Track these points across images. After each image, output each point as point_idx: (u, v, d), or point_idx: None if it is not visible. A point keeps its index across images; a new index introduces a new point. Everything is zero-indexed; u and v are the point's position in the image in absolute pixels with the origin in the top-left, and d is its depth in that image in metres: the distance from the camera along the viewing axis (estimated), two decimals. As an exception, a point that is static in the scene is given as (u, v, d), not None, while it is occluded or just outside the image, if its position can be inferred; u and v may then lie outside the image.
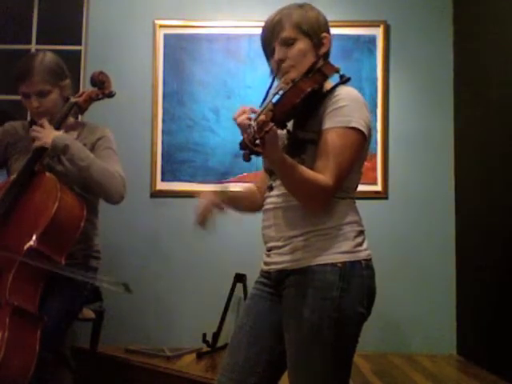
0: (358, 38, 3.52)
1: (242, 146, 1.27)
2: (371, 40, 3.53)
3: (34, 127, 2.11)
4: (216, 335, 3.14)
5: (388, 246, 3.36)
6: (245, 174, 3.44)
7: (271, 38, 1.50)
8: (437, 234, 3.45)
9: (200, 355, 3.08)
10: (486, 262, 3.05)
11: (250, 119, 1.26)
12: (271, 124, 1.20)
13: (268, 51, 1.54)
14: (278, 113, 1.27)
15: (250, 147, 1.22)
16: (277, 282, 1.49)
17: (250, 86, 3.51)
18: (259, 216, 1.63)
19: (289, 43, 1.48)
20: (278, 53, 1.49)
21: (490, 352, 2.96)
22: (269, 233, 1.51)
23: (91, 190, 2.15)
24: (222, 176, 3.46)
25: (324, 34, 1.52)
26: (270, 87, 1.43)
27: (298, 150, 1.45)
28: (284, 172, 1.37)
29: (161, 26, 3.56)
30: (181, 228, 3.47)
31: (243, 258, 3.24)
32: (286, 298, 1.45)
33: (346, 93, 1.43)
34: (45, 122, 2.11)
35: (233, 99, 3.52)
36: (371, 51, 3.53)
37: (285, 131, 1.47)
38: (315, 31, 1.50)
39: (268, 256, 1.52)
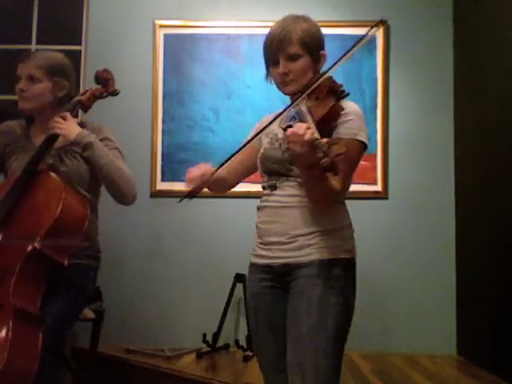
0: (358, 38, 3.51)
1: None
2: (371, 40, 3.53)
3: (56, 118, 2.06)
4: (216, 335, 3.15)
5: (388, 246, 3.35)
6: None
7: (277, 51, 1.61)
8: (437, 234, 3.45)
9: (200, 355, 3.08)
10: (486, 261, 3.05)
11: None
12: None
13: (270, 60, 1.64)
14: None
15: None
16: (281, 274, 1.60)
17: (250, 85, 3.50)
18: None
19: (293, 58, 1.60)
20: (283, 66, 1.60)
21: (490, 352, 2.96)
22: (272, 228, 1.61)
23: (107, 189, 2.15)
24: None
25: (322, 52, 1.66)
26: (287, 108, 1.54)
27: None
28: (315, 179, 1.47)
29: (161, 26, 3.56)
30: (181, 228, 3.47)
31: (243, 258, 3.22)
32: (296, 287, 1.56)
33: (351, 107, 1.58)
34: (67, 114, 2.09)
35: (233, 99, 3.52)
36: (371, 51, 3.52)
37: None
38: (317, 48, 1.64)
39: (269, 250, 1.62)
